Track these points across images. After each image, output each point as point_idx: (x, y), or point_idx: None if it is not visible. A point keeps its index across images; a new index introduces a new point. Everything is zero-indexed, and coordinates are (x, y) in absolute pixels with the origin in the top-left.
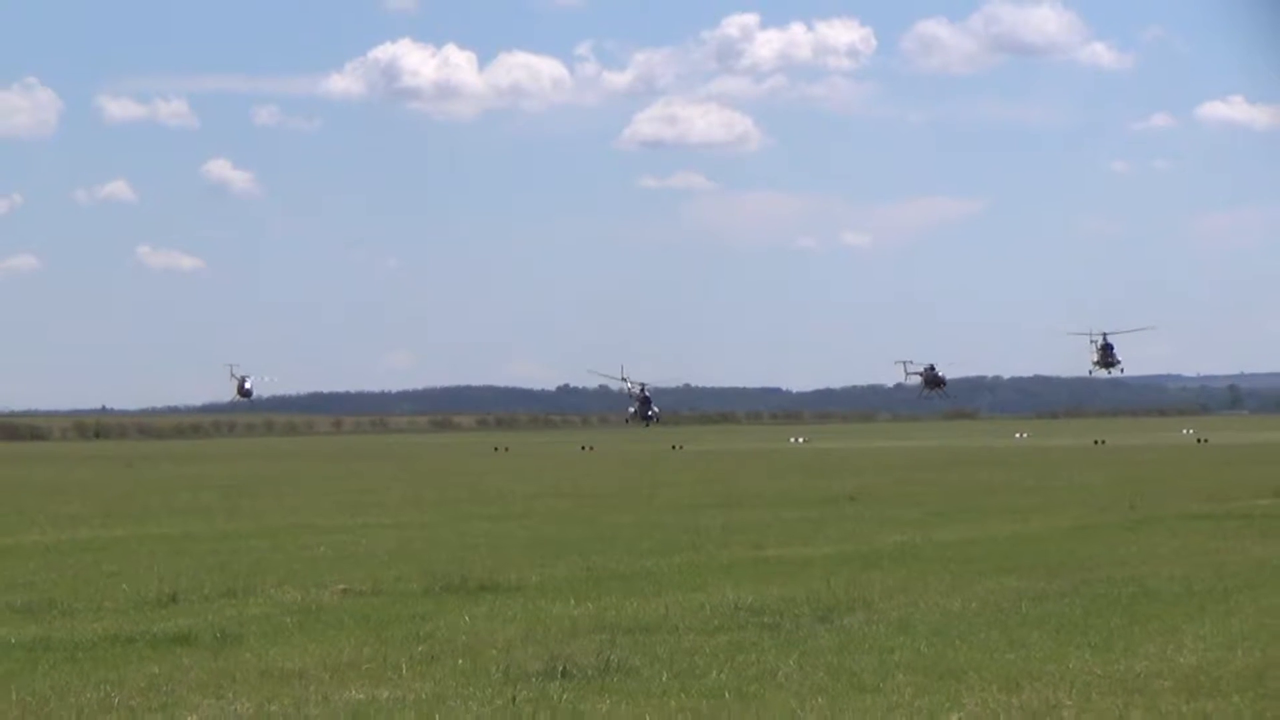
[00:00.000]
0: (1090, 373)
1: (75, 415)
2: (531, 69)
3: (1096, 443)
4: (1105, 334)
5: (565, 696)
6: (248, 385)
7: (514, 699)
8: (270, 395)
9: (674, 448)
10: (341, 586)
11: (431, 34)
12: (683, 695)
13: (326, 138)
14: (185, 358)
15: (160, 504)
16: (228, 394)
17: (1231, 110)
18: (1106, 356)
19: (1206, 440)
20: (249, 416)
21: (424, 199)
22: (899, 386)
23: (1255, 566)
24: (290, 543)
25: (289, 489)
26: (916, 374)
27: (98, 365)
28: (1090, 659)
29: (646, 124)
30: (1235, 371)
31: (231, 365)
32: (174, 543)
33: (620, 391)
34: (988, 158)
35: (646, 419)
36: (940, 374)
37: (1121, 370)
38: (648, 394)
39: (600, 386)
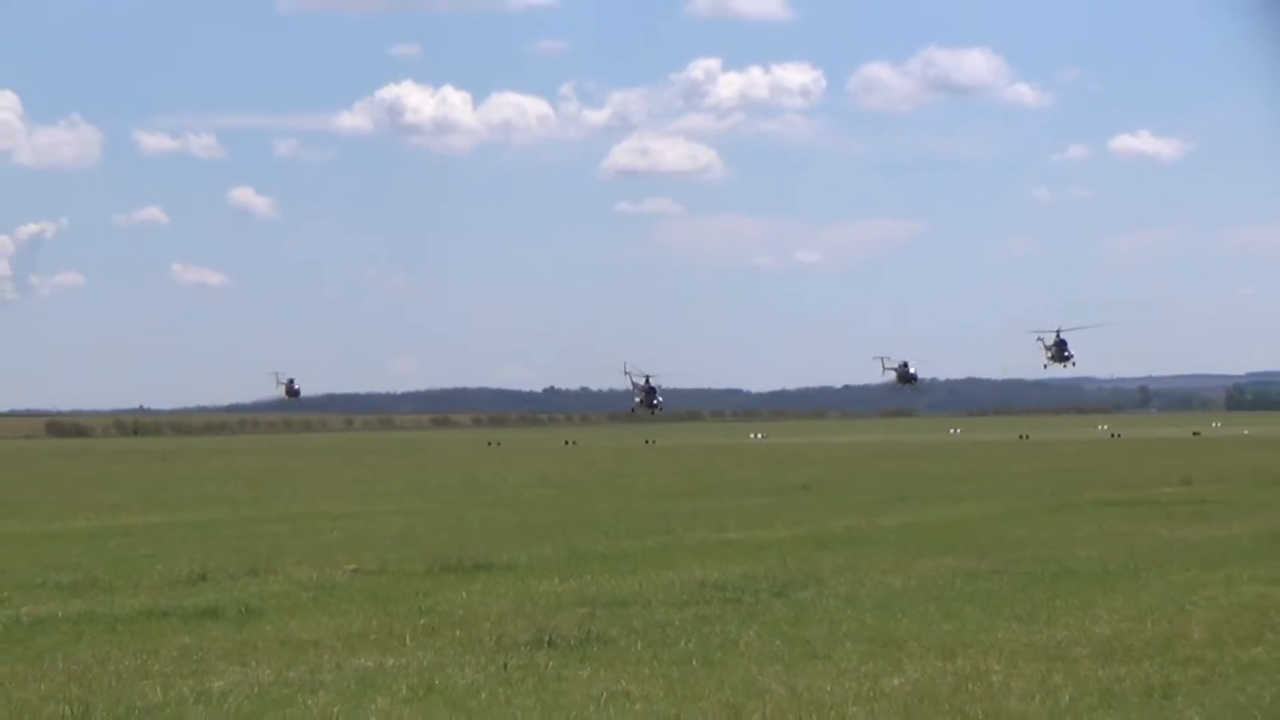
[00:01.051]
0: (1045, 367)
1: (116, 414)
2: (520, 107)
3: (1021, 438)
4: (1059, 330)
5: (551, 664)
6: (296, 386)
7: (505, 666)
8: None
9: (647, 442)
10: (352, 566)
11: (431, 76)
12: (655, 662)
13: (339, 167)
14: (214, 362)
15: (191, 493)
16: (252, 395)
17: (1140, 143)
18: (1061, 352)
19: (1119, 435)
20: (270, 415)
21: (425, 222)
22: (846, 387)
23: (1163, 547)
24: (306, 528)
25: (305, 480)
26: (892, 369)
27: (136, 369)
28: (1017, 629)
29: (622, 155)
30: (1145, 374)
31: (277, 372)
32: (203, 528)
33: (615, 390)
34: (925, 185)
35: (653, 407)
36: (913, 371)
37: (1074, 364)
38: (653, 384)
39: (581, 388)
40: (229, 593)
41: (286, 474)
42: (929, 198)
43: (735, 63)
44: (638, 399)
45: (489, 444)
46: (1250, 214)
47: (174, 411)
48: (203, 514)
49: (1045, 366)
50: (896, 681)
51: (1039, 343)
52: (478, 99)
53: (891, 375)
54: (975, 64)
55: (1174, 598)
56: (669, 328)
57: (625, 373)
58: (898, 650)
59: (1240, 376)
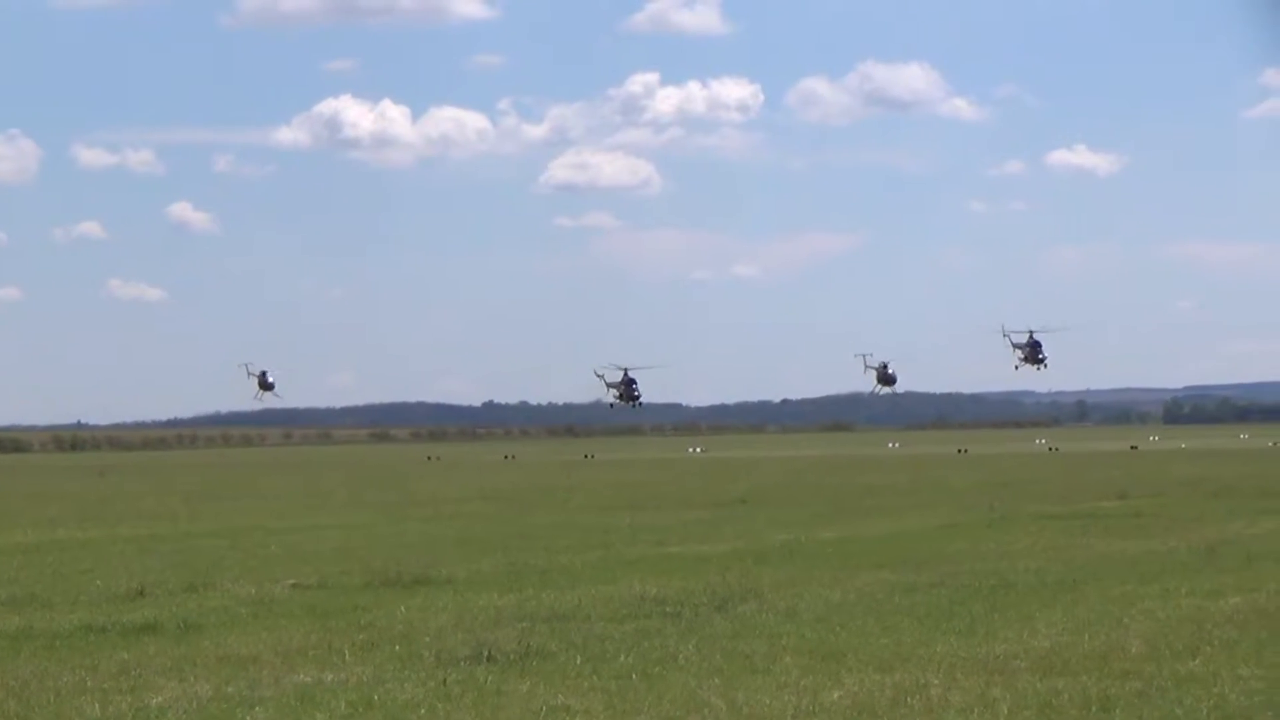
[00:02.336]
0: (1016, 368)
1: (54, 430)
2: (459, 121)
3: (960, 451)
4: (1032, 332)
5: (490, 679)
6: (270, 379)
7: (445, 681)
8: (228, 411)
9: (586, 457)
10: (291, 581)
11: (370, 91)
12: (594, 677)
13: (277, 182)
14: (152, 378)
15: (129, 509)
16: (190, 410)
17: (1076, 157)
18: (1035, 354)
19: (1057, 449)
20: (208, 430)
21: (364, 236)
22: (785, 401)
23: (1100, 560)
24: (245, 542)
25: (244, 495)
26: (873, 369)
27: (74, 384)
28: (955, 643)
29: (560, 170)
30: (1082, 388)
31: (247, 364)
32: (141, 543)
33: (554, 404)
34: (862, 199)
35: (634, 399)
36: (892, 372)
37: (1046, 366)
38: (632, 376)
39: (521, 402)
40: (168, 608)
41: (225, 489)
42: (866, 211)
43: (673, 77)
44: (615, 394)
45: (428, 458)
46: (1187, 228)
47: (112, 427)
48: (141, 529)
49: (1016, 368)
50: (836, 695)
51: (1009, 345)
52: (416, 113)
53: (872, 375)
54: (912, 78)
55: (1111, 611)
56: (607, 342)
57: (598, 375)
58: (837, 664)
59: (1177, 390)
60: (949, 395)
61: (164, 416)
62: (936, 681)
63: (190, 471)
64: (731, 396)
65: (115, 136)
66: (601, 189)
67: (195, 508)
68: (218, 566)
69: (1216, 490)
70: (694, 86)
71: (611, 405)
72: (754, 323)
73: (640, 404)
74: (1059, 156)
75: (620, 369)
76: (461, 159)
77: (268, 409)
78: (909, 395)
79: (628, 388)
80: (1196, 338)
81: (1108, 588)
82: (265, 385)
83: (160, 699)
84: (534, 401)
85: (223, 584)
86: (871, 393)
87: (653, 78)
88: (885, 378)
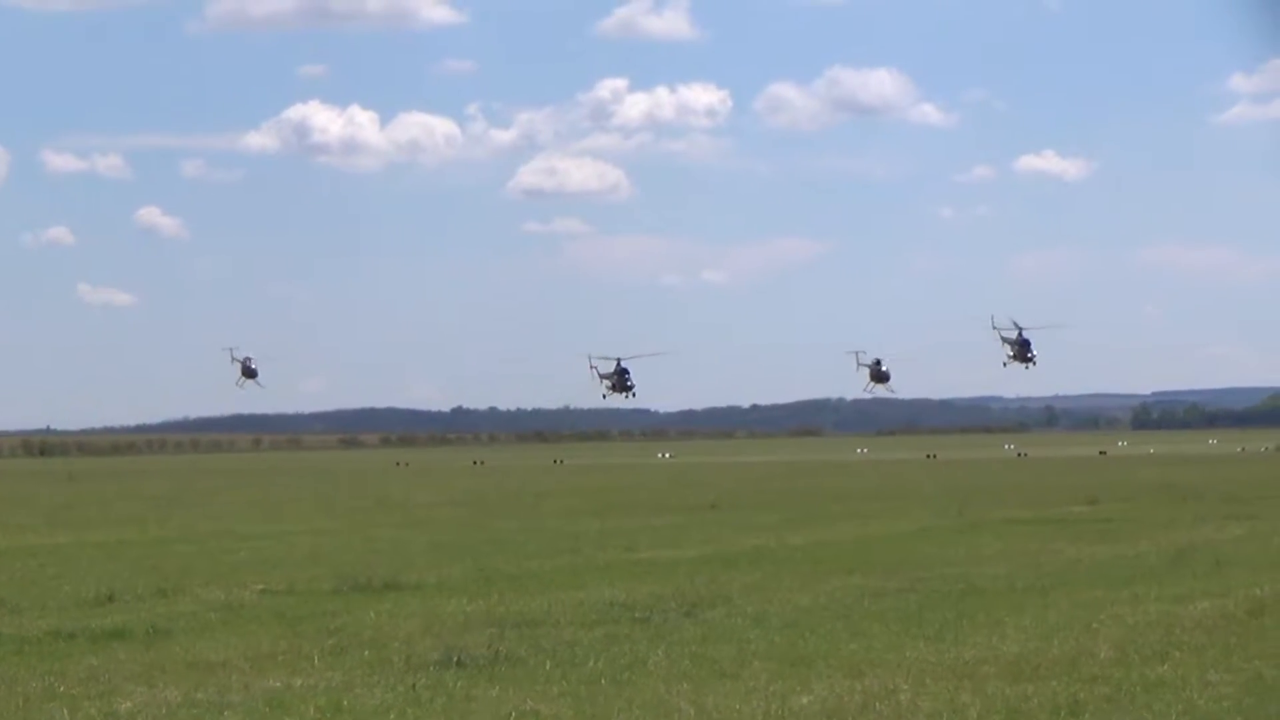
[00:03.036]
0: (1004, 364)
1: (22, 435)
2: (427, 127)
3: (929, 457)
4: (1021, 329)
5: (460, 684)
6: (253, 365)
7: (414, 686)
8: (197, 416)
9: (556, 462)
10: (260, 587)
11: (338, 96)
12: (564, 682)
13: (246, 187)
14: (121, 382)
15: (98, 514)
16: (159, 415)
17: (1045, 163)
18: (1024, 352)
19: (1026, 455)
20: (177, 435)
21: (334, 242)
22: (754, 407)
23: (1069, 566)
24: (215, 548)
25: (214, 500)
26: (865, 366)
27: (42, 389)
28: (925, 648)
29: (529, 175)
30: (1051, 393)
31: (231, 349)
32: (110, 548)
33: (523, 409)
34: (831, 204)
35: (627, 389)
36: (886, 369)
37: (1035, 364)
38: (625, 366)
39: (490, 408)
40: (137, 614)
41: (194, 494)
42: (835, 217)
43: (642, 83)
44: (608, 384)
45: (397, 464)
46: (1155, 234)
47: (81, 432)
48: (110, 534)
49: (1005, 365)
50: (805, 700)
51: (999, 340)
52: (385, 119)
53: (864, 373)
54: (880, 83)
55: (1081, 616)
56: (577, 347)
57: (591, 366)
58: (806, 669)
59: (1146, 396)
60: (918, 401)
61: (133, 422)
62: (906, 687)
63: (159, 477)
64: (700, 402)
65: (84, 141)
66: (570, 194)
67: (164, 513)
68: (187, 572)
69: (1185, 495)
70: (662, 92)
71: (605, 396)
72: (723, 328)
73: (634, 393)
74: (1028, 162)
75: (613, 359)
76: (430, 164)
77: (238, 414)
78: (877, 402)
79: (620, 377)
80: (1165, 343)
81: (1077, 593)
82: (248, 372)
83: (129, 705)
84: (503, 407)
85: (192, 589)
86: (865, 391)
87: (621, 83)
88: (878, 375)
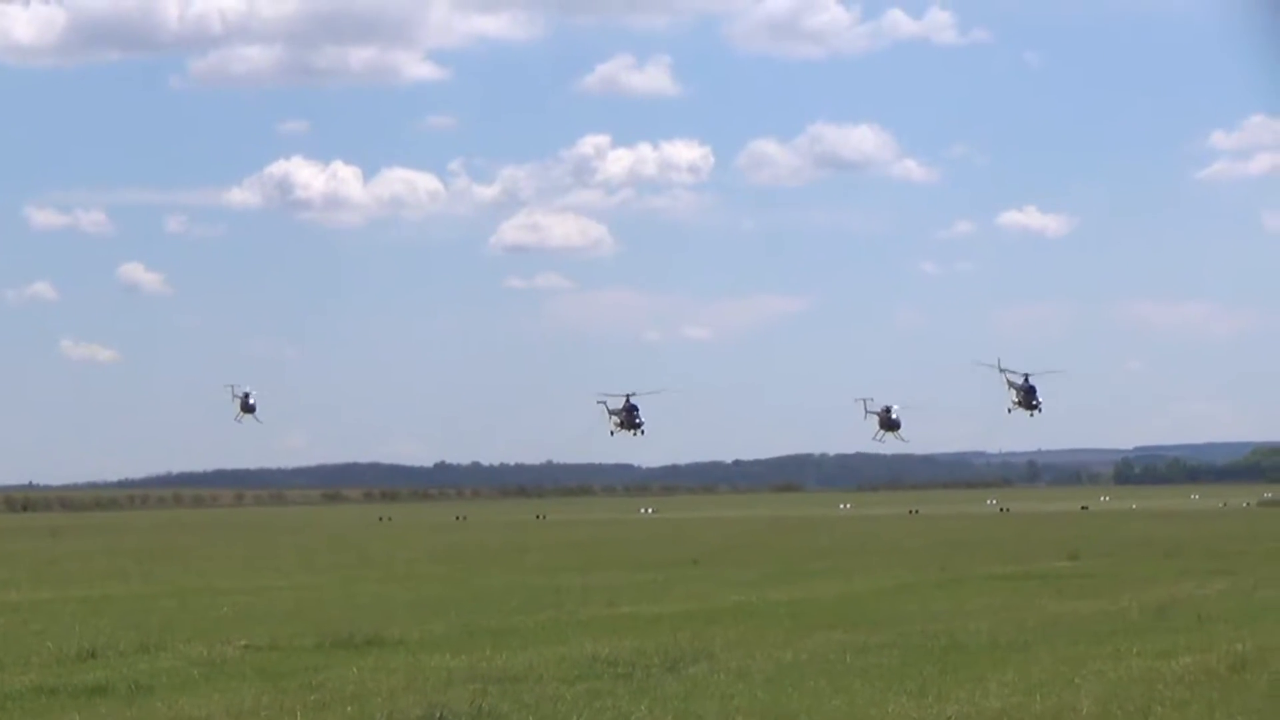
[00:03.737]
0: (1009, 411)
1: (5, 490)
2: (410, 183)
3: (911, 512)
4: (1027, 375)
5: None
6: (251, 400)
7: None
8: (179, 472)
9: (538, 517)
10: (243, 642)
11: (321, 152)
12: None
13: (229, 243)
14: (104, 438)
15: (80, 569)
16: (142, 470)
17: (1026, 218)
18: (1029, 398)
19: (1008, 510)
20: (160, 491)
21: (317, 297)
22: (737, 462)
23: (1052, 621)
24: (197, 603)
25: (196, 555)
26: (874, 413)
27: (25, 445)
28: (907, 704)
29: (512, 231)
30: (1033, 448)
31: (232, 385)
32: (93, 604)
33: (505, 464)
34: (814, 260)
35: (635, 427)
36: (896, 417)
37: (1040, 411)
38: (634, 403)
39: (473, 463)
40: (119, 670)
41: (177, 549)
42: (817, 273)
43: (624, 139)
44: (616, 422)
45: (380, 519)
46: (1136, 289)
47: (64, 487)
48: (93, 590)
49: (1010, 411)
50: None
51: (1005, 384)
52: (368, 174)
53: (874, 420)
54: (862, 139)
55: (1063, 671)
56: (560, 402)
57: (599, 401)
58: None
59: (1128, 451)
60: (900, 457)
61: (115, 477)
62: None
63: (142, 532)
64: (683, 457)
65: (67, 197)
66: (553, 250)
67: (147, 569)
68: (169, 627)
69: (1167, 551)
70: (645, 148)
71: (612, 433)
72: (705, 383)
73: (643, 431)
74: (1010, 217)
75: (623, 395)
76: (413, 220)
77: (220, 469)
78: (859, 457)
79: (629, 414)
80: (1147, 398)
81: (1059, 648)
82: (247, 408)
83: None
84: (486, 462)
85: (174, 645)
86: (874, 439)
87: (604, 139)
88: (888, 422)
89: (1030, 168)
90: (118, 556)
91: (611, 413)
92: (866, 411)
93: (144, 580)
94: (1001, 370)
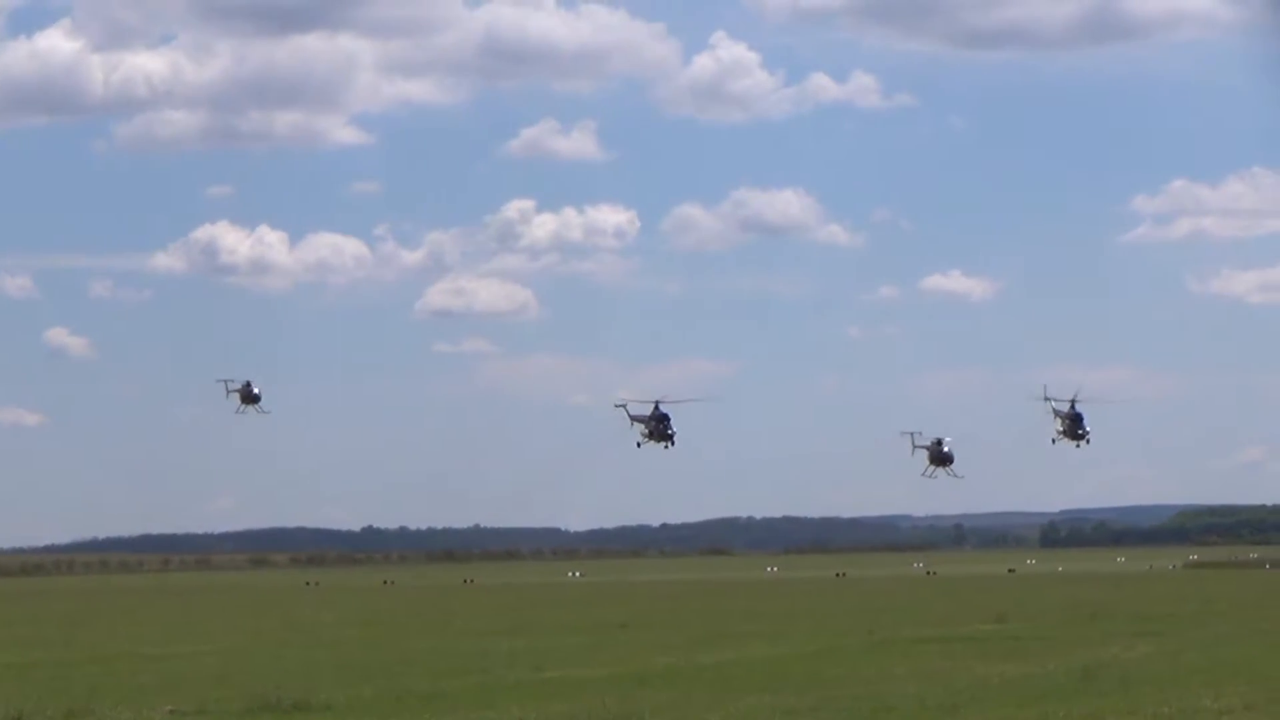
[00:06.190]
0: (1054, 442)
1: None
2: (336, 247)
3: (838, 575)
4: (1074, 401)
5: None
6: (255, 390)
7: None
8: (105, 537)
9: (465, 581)
10: (169, 708)
11: (247, 217)
12: None
13: (155, 308)
14: (29, 503)
15: (5, 635)
16: (68, 535)
17: (950, 283)
18: (1075, 427)
19: (935, 573)
20: (86, 556)
21: (242, 362)
22: (664, 526)
23: (979, 684)
24: (123, 669)
25: (122, 621)
26: (923, 448)
27: None
28: None
29: (438, 296)
30: (959, 512)
31: (227, 381)
32: (18, 669)
33: (434, 528)
34: (739, 324)
35: (667, 438)
36: (948, 450)
37: (1088, 442)
38: (665, 411)
39: (400, 527)
40: None
41: (103, 615)
42: (743, 337)
43: (550, 204)
44: (644, 432)
45: (307, 584)
46: (1060, 353)
47: None
48: (18, 656)
49: (1054, 442)
50: None
51: (1051, 412)
52: (294, 239)
53: (922, 455)
54: (787, 204)
55: None
56: (487, 467)
57: (618, 405)
58: None
59: (1054, 514)
60: (826, 520)
61: (41, 542)
62: None
63: (68, 597)
64: (611, 521)
65: None
66: (479, 315)
67: (73, 634)
68: (96, 693)
69: (1093, 613)
70: (570, 212)
71: (639, 445)
72: (633, 448)
73: (673, 442)
74: (934, 281)
75: (651, 402)
76: (340, 284)
77: (146, 534)
78: (787, 520)
79: (660, 424)
80: (1072, 462)
81: (987, 711)
82: (249, 398)
83: None
84: (413, 526)
85: (101, 711)
86: (924, 475)
87: (529, 204)
88: (939, 457)
89: (954, 232)
90: (43, 623)
91: (635, 420)
92: (915, 446)
93: (69, 646)
94: (1046, 399)
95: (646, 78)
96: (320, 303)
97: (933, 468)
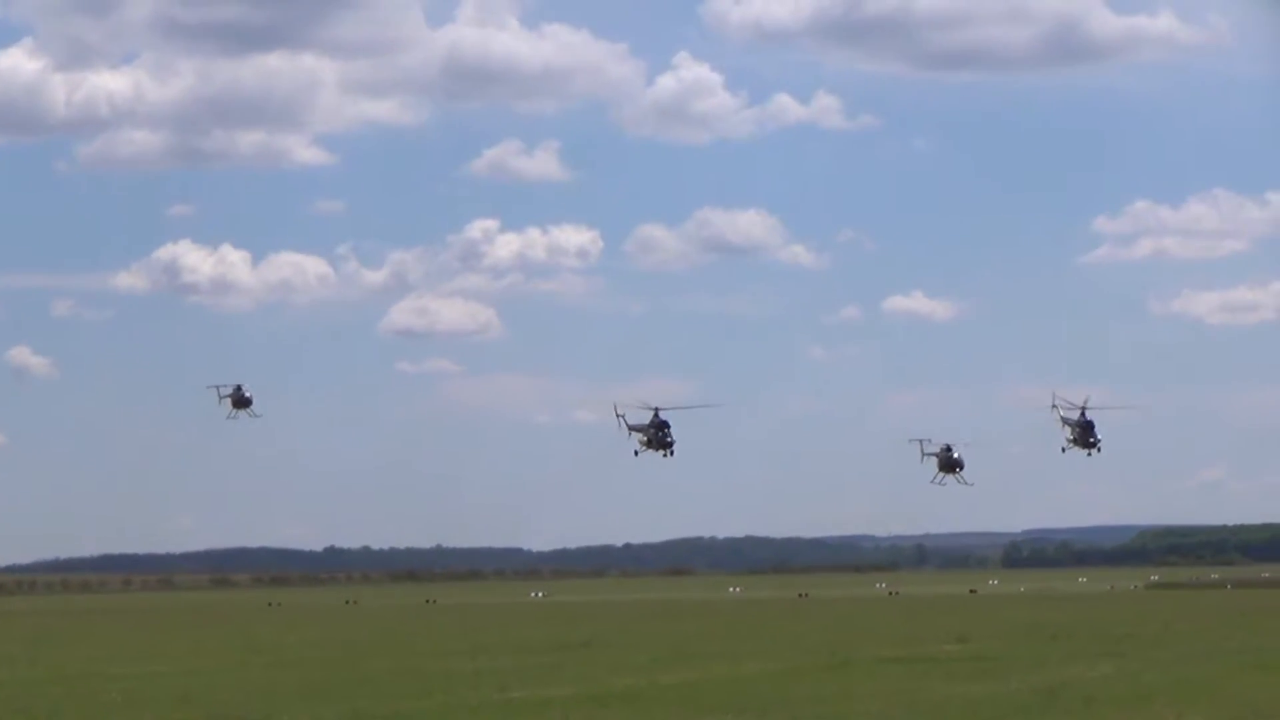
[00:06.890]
0: (1064, 450)
1: None
2: (299, 266)
3: (801, 595)
4: (1085, 408)
5: None
6: (246, 393)
7: None
8: (67, 557)
9: (428, 602)
10: None
11: (209, 236)
12: None
13: (117, 327)
14: None
15: None
16: (29, 555)
17: (913, 303)
18: (1086, 435)
19: (897, 593)
20: (47, 576)
21: (205, 381)
22: (627, 546)
23: (942, 704)
24: (84, 689)
25: (84, 641)
26: (932, 454)
27: None
28: None
29: (401, 315)
30: (921, 532)
31: (218, 386)
32: None
33: (396, 548)
34: (702, 345)
35: (666, 446)
36: (958, 456)
37: (1099, 451)
38: (664, 418)
39: (363, 547)
40: None
41: (64, 635)
42: (705, 357)
43: (513, 223)
44: (643, 441)
45: (269, 604)
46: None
47: None
48: None
49: (1064, 450)
50: None
51: (1059, 420)
52: (257, 258)
53: (931, 463)
54: (750, 225)
55: None
56: (450, 486)
57: (618, 414)
58: None
59: (1016, 534)
60: (789, 540)
61: (2, 563)
62: None
63: (29, 617)
64: (573, 541)
65: None
66: (441, 334)
67: (34, 654)
68: (56, 714)
69: (1055, 633)
70: (533, 232)
71: (636, 453)
72: (595, 468)
73: (672, 451)
74: (896, 302)
75: (650, 408)
76: (302, 304)
77: (107, 554)
78: (749, 540)
79: (659, 431)
80: (1034, 482)
81: None
82: (241, 402)
83: None
84: (376, 546)
85: None
86: (934, 482)
87: (492, 224)
88: (949, 463)
89: (917, 253)
90: (3, 642)
91: (633, 429)
92: (924, 454)
93: (30, 666)
94: (1054, 405)
95: (609, 98)
96: (283, 322)
97: (942, 474)
